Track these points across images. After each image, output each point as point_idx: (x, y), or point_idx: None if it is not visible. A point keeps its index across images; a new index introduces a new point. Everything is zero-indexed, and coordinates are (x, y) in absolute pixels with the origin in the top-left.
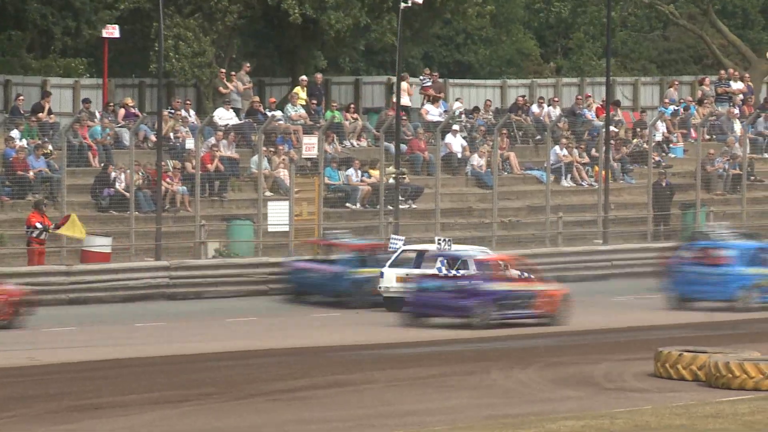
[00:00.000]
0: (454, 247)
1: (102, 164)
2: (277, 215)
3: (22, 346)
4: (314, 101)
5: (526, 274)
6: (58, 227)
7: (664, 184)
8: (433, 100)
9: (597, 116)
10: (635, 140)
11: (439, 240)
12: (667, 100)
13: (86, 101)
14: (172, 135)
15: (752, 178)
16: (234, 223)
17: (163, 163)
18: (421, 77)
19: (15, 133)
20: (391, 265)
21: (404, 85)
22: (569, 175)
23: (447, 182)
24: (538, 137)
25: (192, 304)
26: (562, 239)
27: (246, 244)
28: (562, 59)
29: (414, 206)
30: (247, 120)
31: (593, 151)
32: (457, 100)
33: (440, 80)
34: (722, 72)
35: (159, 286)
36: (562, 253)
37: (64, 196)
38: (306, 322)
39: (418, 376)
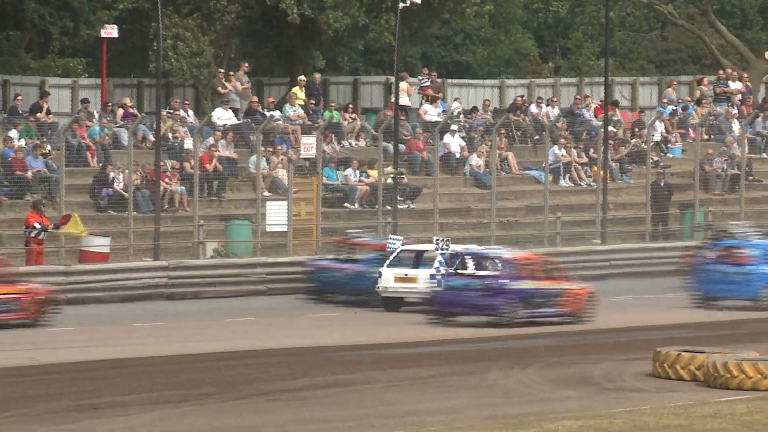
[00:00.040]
0: (480, 247)
1: (100, 164)
2: (276, 215)
3: (22, 346)
4: (313, 101)
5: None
6: (57, 227)
7: (662, 184)
8: (432, 100)
9: (595, 116)
10: (634, 140)
11: (437, 240)
12: (665, 100)
13: (85, 101)
14: (170, 135)
15: (750, 178)
16: (232, 223)
17: (161, 163)
18: (420, 77)
19: (13, 133)
20: (390, 265)
21: (403, 85)
22: (568, 175)
23: (445, 182)
24: (537, 137)
25: (190, 304)
26: (561, 239)
27: (244, 244)
28: (561, 59)
29: (412, 206)
30: (245, 120)
31: (592, 151)
32: (455, 100)
33: (439, 80)
34: (720, 72)
35: (157, 286)
36: (561, 253)
37: (62, 196)
38: (305, 322)
39: (418, 376)
